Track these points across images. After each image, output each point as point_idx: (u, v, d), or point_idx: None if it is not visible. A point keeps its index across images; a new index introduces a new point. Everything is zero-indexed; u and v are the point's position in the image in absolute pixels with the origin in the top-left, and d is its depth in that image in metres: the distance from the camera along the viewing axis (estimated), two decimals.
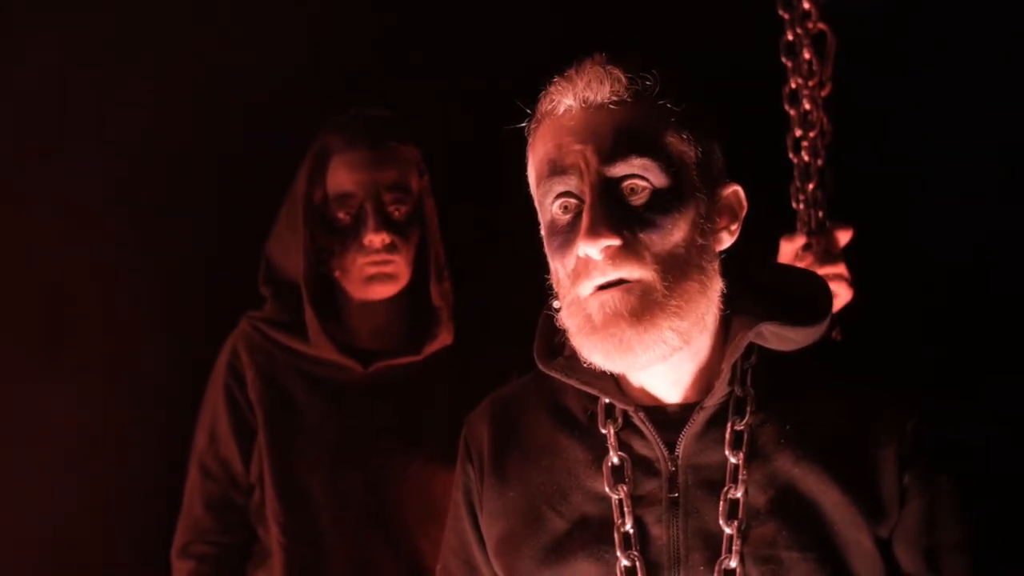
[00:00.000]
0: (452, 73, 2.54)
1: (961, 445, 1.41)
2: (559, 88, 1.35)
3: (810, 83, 2.08)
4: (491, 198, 2.15)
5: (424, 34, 2.57)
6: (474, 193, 2.43)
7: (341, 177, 2.17)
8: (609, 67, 1.33)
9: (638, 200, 1.32)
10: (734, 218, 1.41)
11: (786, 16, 2.07)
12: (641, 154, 1.32)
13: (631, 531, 1.38)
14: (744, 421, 1.38)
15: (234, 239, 2.43)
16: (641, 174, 1.32)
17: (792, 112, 2.09)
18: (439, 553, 1.62)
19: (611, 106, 1.33)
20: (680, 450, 1.39)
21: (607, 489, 1.39)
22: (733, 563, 1.34)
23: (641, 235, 1.31)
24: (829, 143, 2.10)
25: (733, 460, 1.37)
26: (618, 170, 1.32)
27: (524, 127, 1.41)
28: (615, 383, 1.42)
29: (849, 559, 1.34)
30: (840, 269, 2.04)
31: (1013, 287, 2.26)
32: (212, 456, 2.23)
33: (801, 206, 2.10)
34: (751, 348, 1.40)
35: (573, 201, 1.34)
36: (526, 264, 1.57)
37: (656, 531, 1.38)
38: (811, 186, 2.09)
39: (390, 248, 2.16)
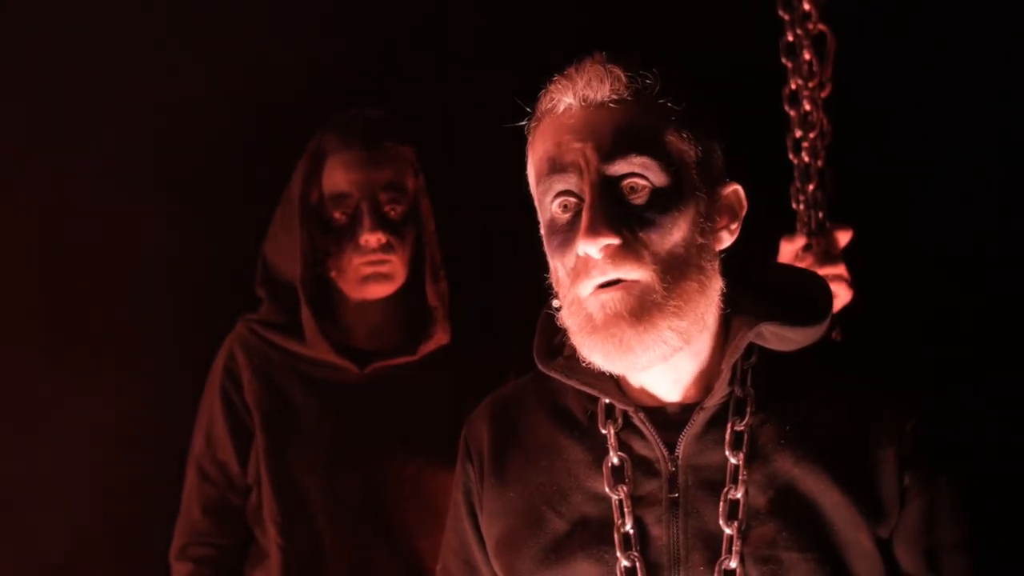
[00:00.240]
0: (452, 73, 2.54)
1: (961, 445, 1.41)
2: (559, 87, 1.35)
3: (810, 84, 2.08)
4: (490, 198, 2.15)
5: (424, 34, 2.57)
6: (473, 193, 2.43)
7: (337, 177, 2.17)
8: (609, 66, 1.33)
9: (638, 199, 1.32)
10: (734, 217, 1.40)
11: (786, 17, 2.07)
12: (641, 152, 1.31)
13: (631, 531, 1.37)
14: (744, 421, 1.37)
15: (234, 239, 2.42)
16: (641, 172, 1.32)
17: (792, 113, 2.09)
18: (438, 553, 1.62)
19: (611, 105, 1.32)
20: (680, 450, 1.39)
21: (607, 489, 1.39)
22: (733, 563, 1.34)
23: (640, 234, 1.31)
24: (829, 144, 2.10)
25: (733, 460, 1.36)
26: (618, 168, 1.32)
27: (524, 126, 1.41)
28: (615, 383, 1.42)
29: (849, 559, 1.34)
30: (840, 270, 2.04)
31: (1013, 287, 2.26)
32: (209, 458, 2.24)
33: (801, 207, 2.10)
34: (751, 348, 1.40)
35: (573, 200, 1.34)
36: (524, 264, 1.57)
37: (656, 531, 1.38)
38: (811, 187, 2.09)
39: (386, 248, 2.16)
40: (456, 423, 1.62)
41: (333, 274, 2.20)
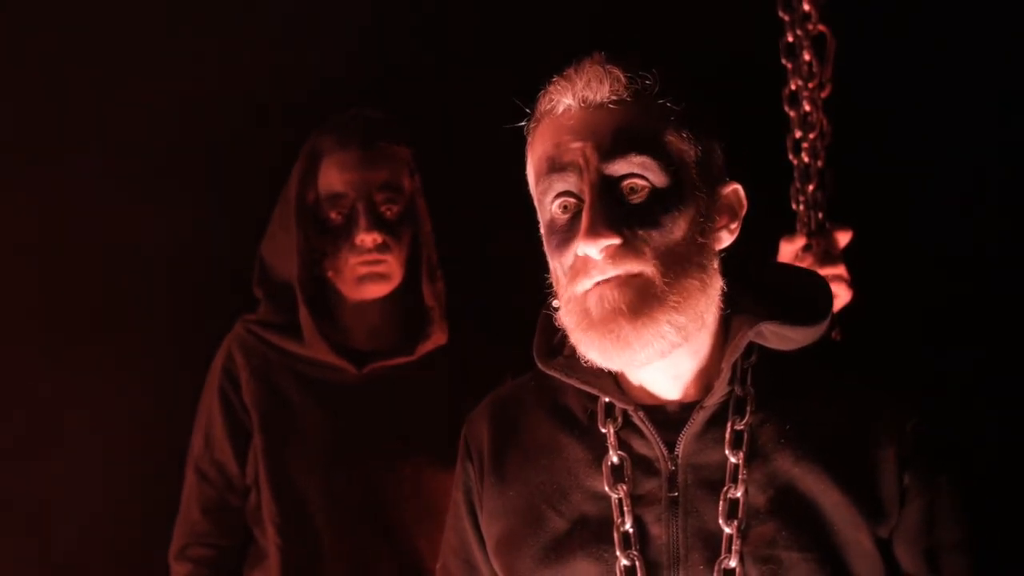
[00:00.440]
0: (452, 73, 2.54)
1: (961, 445, 1.41)
2: (558, 88, 1.35)
3: (810, 85, 2.08)
4: (490, 198, 2.15)
5: (424, 34, 2.57)
6: (473, 193, 2.43)
7: (332, 177, 2.17)
8: (608, 66, 1.33)
9: (637, 199, 1.32)
10: (734, 217, 1.40)
11: (786, 18, 2.07)
12: (641, 152, 1.31)
13: (631, 530, 1.37)
14: (744, 420, 1.37)
15: (234, 239, 2.42)
16: (641, 173, 1.32)
17: (792, 114, 2.09)
18: (437, 553, 1.62)
19: (610, 105, 1.32)
20: (680, 449, 1.39)
21: (607, 488, 1.39)
22: (732, 563, 1.34)
23: (641, 232, 1.30)
24: (829, 144, 2.10)
25: (733, 460, 1.36)
26: (617, 168, 1.32)
27: (523, 127, 1.41)
28: (615, 382, 1.42)
29: (849, 559, 1.34)
30: (840, 270, 2.04)
31: (1013, 287, 2.26)
32: (208, 459, 2.24)
33: (801, 207, 2.10)
34: (751, 347, 1.40)
35: (572, 200, 1.34)
36: (523, 264, 1.57)
37: (656, 530, 1.38)
38: (811, 187, 2.09)
39: (382, 248, 2.16)
40: (454, 423, 1.62)
41: (330, 274, 2.21)
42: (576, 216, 1.33)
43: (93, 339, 2.45)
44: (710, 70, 1.75)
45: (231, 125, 2.45)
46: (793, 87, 2.09)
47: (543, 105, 1.37)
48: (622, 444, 1.41)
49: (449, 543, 1.57)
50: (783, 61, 2.08)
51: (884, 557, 1.36)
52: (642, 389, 1.42)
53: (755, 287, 1.41)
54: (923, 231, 2.30)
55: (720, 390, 1.38)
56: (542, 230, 1.40)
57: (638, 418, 1.39)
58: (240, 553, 2.25)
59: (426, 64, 2.56)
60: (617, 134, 1.31)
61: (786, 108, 2.10)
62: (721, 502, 1.36)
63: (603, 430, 1.42)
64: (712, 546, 1.35)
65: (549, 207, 1.36)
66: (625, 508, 1.38)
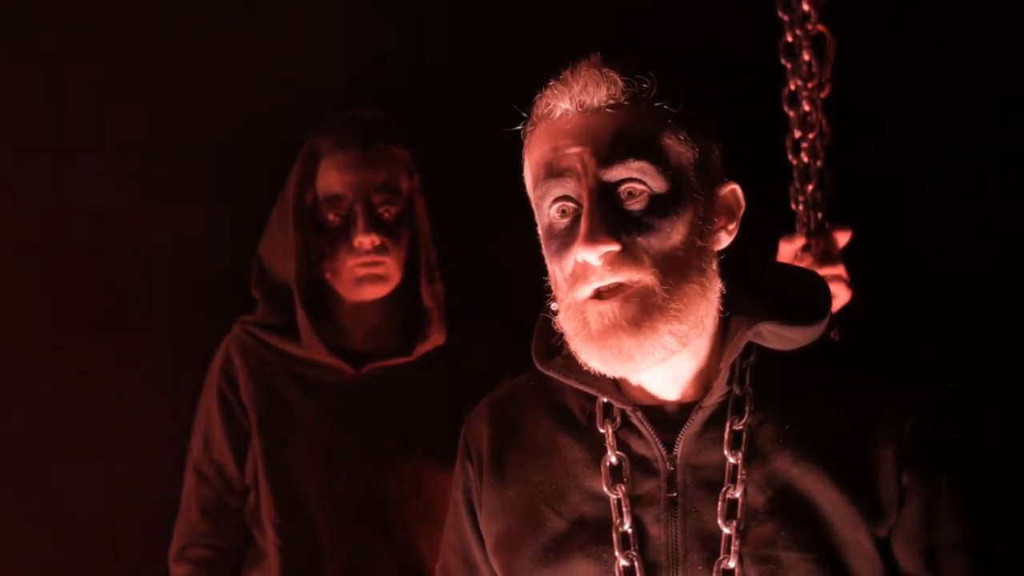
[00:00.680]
0: (452, 73, 2.53)
1: (960, 445, 1.41)
2: (555, 92, 1.34)
3: (809, 85, 2.08)
4: (489, 198, 2.15)
5: (424, 35, 2.57)
6: (472, 193, 2.42)
7: (330, 179, 2.17)
8: (605, 70, 1.32)
9: (636, 204, 1.32)
10: (732, 218, 1.40)
11: (785, 18, 2.07)
12: (639, 157, 1.31)
13: (629, 531, 1.37)
14: (743, 421, 1.37)
15: (234, 239, 2.42)
16: (639, 178, 1.31)
17: (791, 114, 2.09)
18: (436, 553, 1.62)
19: (608, 109, 1.32)
20: (678, 450, 1.39)
21: (605, 489, 1.39)
22: (732, 563, 1.34)
23: (639, 239, 1.30)
24: (828, 144, 2.10)
25: (732, 460, 1.36)
26: (615, 174, 1.31)
27: (520, 130, 1.41)
28: (613, 382, 1.41)
29: (848, 559, 1.34)
30: (839, 270, 2.04)
31: (1013, 287, 2.26)
32: (207, 461, 2.24)
33: (800, 207, 2.10)
34: (750, 347, 1.40)
35: (571, 205, 1.34)
36: (522, 265, 1.57)
37: (654, 531, 1.38)
38: (810, 187, 2.09)
39: (380, 249, 2.16)
40: (453, 423, 1.62)
41: (328, 276, 2.21)
42: (575, 221, 1.33)
43: (93, 339, 2.44)
44: (710, 70, 1.75)
45: (231, 125, 2.45)
46: (792, 87, 2.09)
47: (540, 109, 1.37)
48: (621, 444, 1.41)
49: (449, 542, 1.57)
50: (782, 61, 2.08)
51: (883, 557, 1.37)
52: (641, 389, 1.42)
53: (754, 287, 1.41)
54: (923, 231, 2.30)
55: (719, 390, 1.38)
56: (540, 234, 1.40)
57: (636, 418, 1.39)
58: (239, 554, 2.25)
59: (426, 64, 2.55)
60: (615, 139, 1.31)
61: (785, 108, 2.10)
62: (720, 502, 1.36)
63: (602, 430, 1.42)
64: (711, 546, 1.35)
65: (547, 211, 1.36)
66: (624, 508, 1.38)
